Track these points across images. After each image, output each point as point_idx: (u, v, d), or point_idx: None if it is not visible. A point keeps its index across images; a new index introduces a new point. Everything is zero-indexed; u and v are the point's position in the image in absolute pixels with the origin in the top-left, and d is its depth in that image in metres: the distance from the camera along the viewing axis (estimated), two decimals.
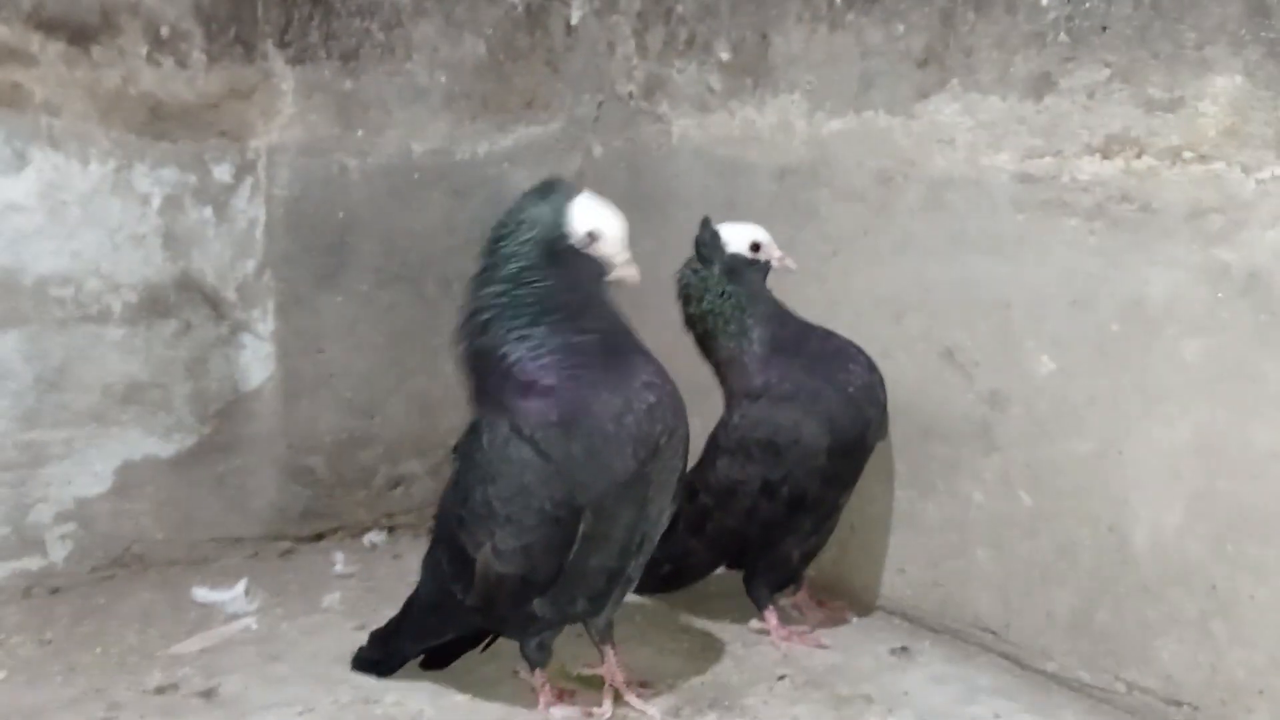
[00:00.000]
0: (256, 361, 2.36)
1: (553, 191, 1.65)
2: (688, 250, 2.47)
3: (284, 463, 2.42)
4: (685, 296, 2.02)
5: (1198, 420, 1.63)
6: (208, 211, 2.27)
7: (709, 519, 1.99)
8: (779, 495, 1.91)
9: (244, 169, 2.30)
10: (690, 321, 2.02)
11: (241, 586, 2.19)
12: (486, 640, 1.87)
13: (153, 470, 2.28)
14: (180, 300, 2.27)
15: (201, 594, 2.18)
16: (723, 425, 1.97)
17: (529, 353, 1.61)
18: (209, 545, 2.35)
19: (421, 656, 1.88)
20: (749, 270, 1.97)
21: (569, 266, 1.62)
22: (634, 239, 2.58)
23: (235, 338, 2.33)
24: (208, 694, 1.84)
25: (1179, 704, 1.68)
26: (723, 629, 2.07)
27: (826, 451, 1.88)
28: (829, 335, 1.97)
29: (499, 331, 1.63)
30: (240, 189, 2.30)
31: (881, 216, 2.06)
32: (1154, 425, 1.68)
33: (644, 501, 1.64)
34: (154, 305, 2.24)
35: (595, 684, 1.80)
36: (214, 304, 2.30)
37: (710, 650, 1.99)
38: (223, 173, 2.28)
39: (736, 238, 1.98)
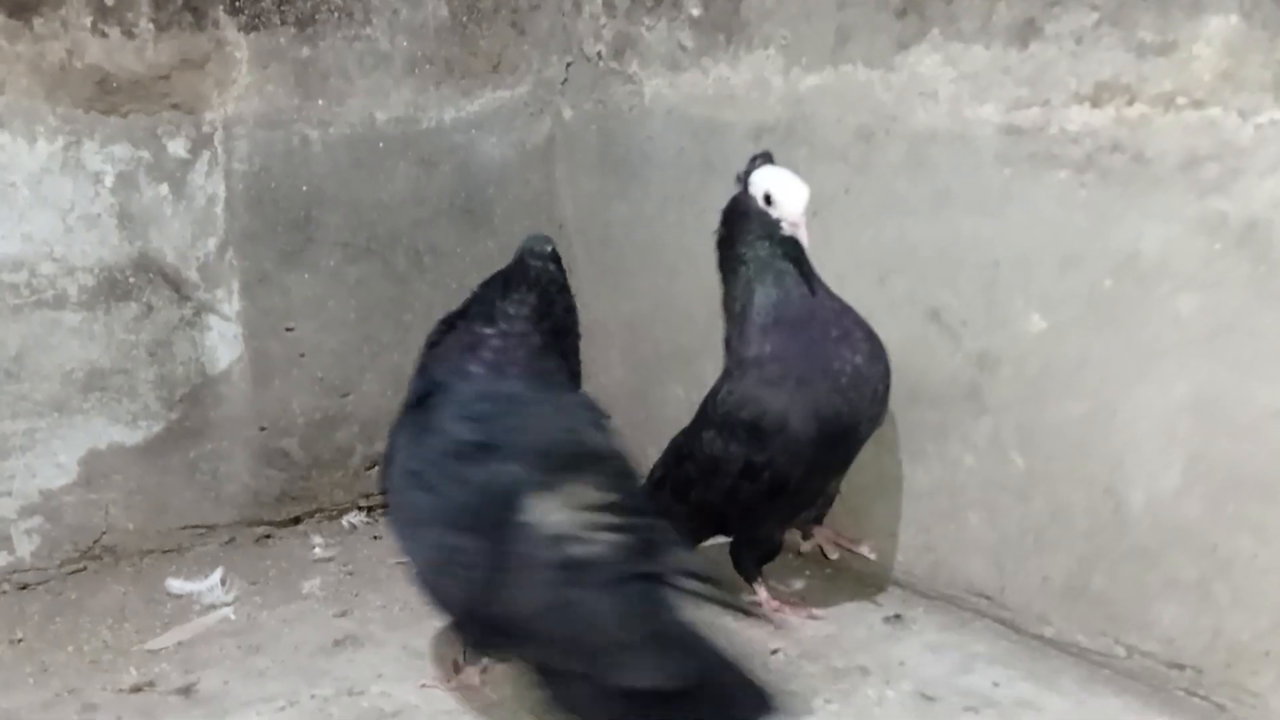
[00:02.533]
0: (223, 343, 2.28)
1: None
2: (663, 214, 2.42)
3: (257, 446, 2.35)
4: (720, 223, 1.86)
5: (1195, 378, 1.58)
6: (164, 189, 2.18)
7: (692, 488, 1.93)
8: (760, 479, 1.81)
9: (200, 143, 2.21)
10: (717, 251, 1.86)
11: (217, 576, 2.13)
12: None
13: (120, 459, 2.21)
14: (140, 282, 2.18)
15: (176, 585, 2.12)
16: (713, 395, 1.88)
17: None
18: (182, 534, 2.29)
19: None
20: (761, 222, 1.77)
21: None
22: (607, 203, 2.54)
23: (200, 319, 2.25)
24: (186, 691, 1.79)
25: (1181, 667, 1.64)
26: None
27: (813, 443, 1.77)
28: (842, 314, 1.80)
29: None
30: (197, 164, 2.21)
31: (862, 175, 2.00)
32: (1149, 384, 1.63)
33: None
34: (112, 288, 2.16)
35: None
36: (175, 285, 2.22)
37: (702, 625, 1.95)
38: (177, 148, 2.19)
39: (760, 181, 1.77)
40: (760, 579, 1.97)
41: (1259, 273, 1.50)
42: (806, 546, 2.07)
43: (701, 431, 1.89)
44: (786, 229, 1.76)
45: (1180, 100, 1.56)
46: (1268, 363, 1.50)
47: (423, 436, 1.53)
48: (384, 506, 1.77)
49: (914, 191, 1.91)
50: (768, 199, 1.77)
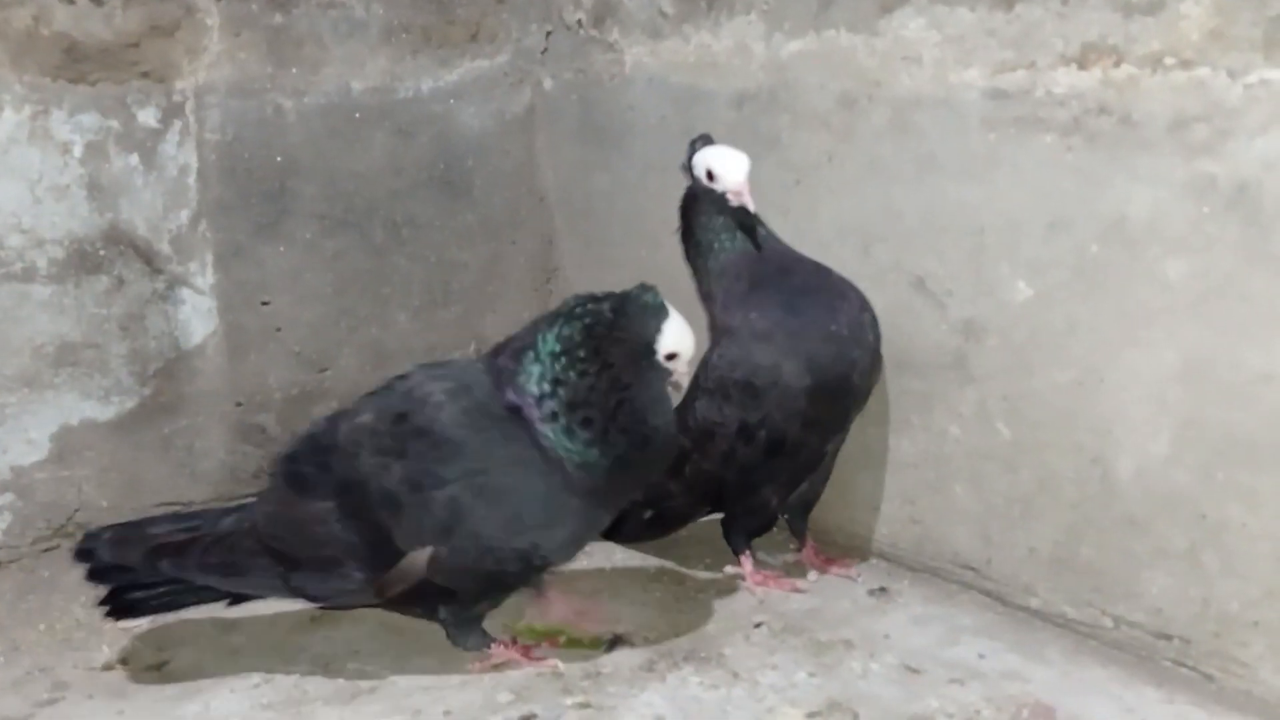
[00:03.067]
0: (197, 317, 2.24)
1: None
2: (644, 184, 2.38)
3: (233, 421, 2.31)
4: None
5: (1184, 344, 1.55)
6: (134, 159, 2.13)
7: (687, 461, 1.89)
8: (756, 439, 1.81)
9: (171, 112, 2.16)
10: (682, 245, 1.93)
11: None
12: None
13: (92, 435, 2.16)
14: (110, 254, 2.14)
15: None
16: (703, 365, 1.85)
17: None
18: (158, 511, 2.24)
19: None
20: (710, 200, 1.84)
21: None
22: (589, 173, 2.50)
23: (172, 293, 2.21)
24: (159, 668, 1.76)
25: (1169, 638, 1.62)
26: (697, 577, 2.00)
27: (806, 394, 1.77)
28: (818, 270, 1.84)
29: None
30: (168, 134, 2.16)
31: (846, 142, 1.96)
32: (1137, 351, 1.60)
33: None
34: (82, 260, 2.11)
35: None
36: (147, 258, 2.17)
37: (685, 600, 1.92)
38: (148, 117, 2.14)
39: (700, 161, 1.84)
40: (748, 551, 1.95)
41: (1249, 235, 1.47)
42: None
43: (694, 402, 1.85)
44: (732, 200, 1.80)
45: (1168, 60, 1.52)
46: (1258, 327, 1.48)
47: None
48: None
49: (898, 158, 1.88)
50: (710, 175, 1.82)
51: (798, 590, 1.91)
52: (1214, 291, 1.51)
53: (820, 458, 1.90)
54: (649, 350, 1.58)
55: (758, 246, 1.84)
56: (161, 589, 1.72)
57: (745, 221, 1.83)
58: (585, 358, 1.56)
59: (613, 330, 1.56)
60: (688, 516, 2.03)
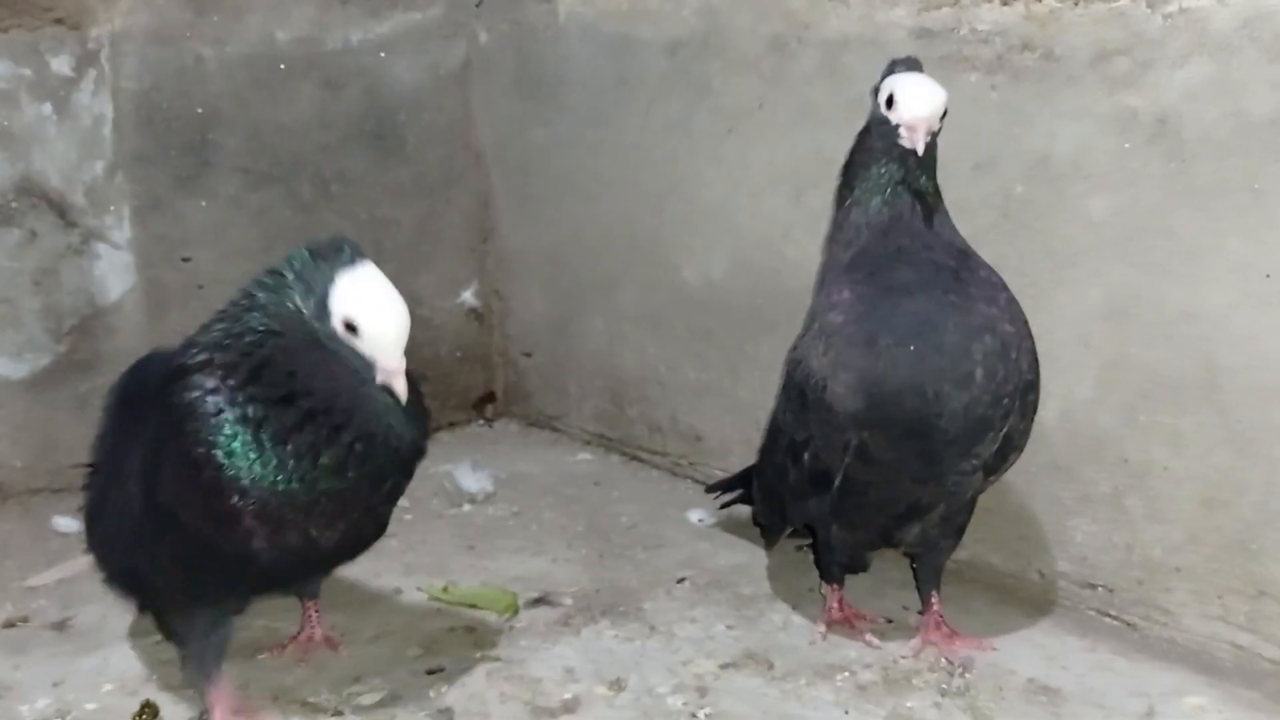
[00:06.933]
0: (114, 272, 2.17)
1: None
2: (581, 138, 2.32)
3: None
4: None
5: (1107, 283, 1.51)
6: (47, 108, 2.07)
7: (763, 456, 1.68)
8: (801, 461, 1.47)
9: (85, 60, 2.09)
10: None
11: None
12: None
13: (4, 393, 2.10)
14: (22, 206, 2.07)
15: (63, 523, 2.02)
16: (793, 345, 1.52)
17: None
18: (74, 472, 2.15)
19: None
20: (880, 133, 1.41)
21: None
22: (525, 128, 2.44)
23: (88, 247, 2.14)
24: (60, 625, 1.71)
25: (1094, 587, 1.59)
26: (625, 535, 1.96)
27: (854, 421, 1.36)
28: (959, 272, 1.37)
29: None
30: (83, 82, 2.09)
31: (776, 87, 1.91)
32: (1063, 291, 1.56)
33: None
34: None
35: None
36: (61, 210, 2.10)
37: (610, 557, 1.88)
38: (61, 65, 2.07)
39: (886, 85, 1.41)
40: (835, 586, 1.62)
41: (1170, 170, 1.43)
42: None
43: (779, 391, 1.57)
44: (904, 136, 1.37)
45: None
46: (1180, 263, 1.44)
47: None
48: None
49: (828, 101, 1.83)
50: (889, 102, 1.39)
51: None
52: (1137, 228, 1.47)
53: (917, 509, 1.46)
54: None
55: (929, 223, 1.40)
56: None
57: (911, 173, 1.39)
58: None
59: None
60: (773, 531, 1.74)
